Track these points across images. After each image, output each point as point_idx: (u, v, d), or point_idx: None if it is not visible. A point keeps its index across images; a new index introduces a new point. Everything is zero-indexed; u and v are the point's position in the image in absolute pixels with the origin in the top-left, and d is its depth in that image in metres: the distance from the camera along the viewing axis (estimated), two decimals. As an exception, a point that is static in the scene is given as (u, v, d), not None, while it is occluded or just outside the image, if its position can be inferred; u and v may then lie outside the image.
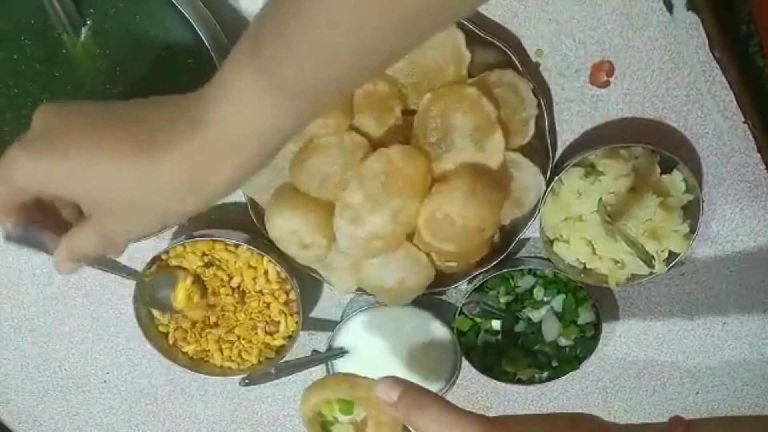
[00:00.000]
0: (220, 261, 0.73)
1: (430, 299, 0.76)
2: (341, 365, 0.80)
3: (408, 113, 0.66)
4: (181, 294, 0.73)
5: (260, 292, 0.74)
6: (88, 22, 0.62)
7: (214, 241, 0.72)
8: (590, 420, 0.50)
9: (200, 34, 0.60)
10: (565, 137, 0.71)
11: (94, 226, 0.43)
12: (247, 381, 0.76)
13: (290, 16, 0.36)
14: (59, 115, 0.42)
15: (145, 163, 0.39)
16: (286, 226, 0.67)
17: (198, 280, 0.74)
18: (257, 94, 0.38)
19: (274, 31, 0.37)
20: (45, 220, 0.46)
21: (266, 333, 0.76)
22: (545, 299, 0.76)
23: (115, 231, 0.43)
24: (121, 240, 0.45)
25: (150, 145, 0.39)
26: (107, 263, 0.76)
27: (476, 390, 0.84)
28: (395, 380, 0.52)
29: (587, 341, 0.76)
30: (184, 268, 0.73)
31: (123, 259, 0.78)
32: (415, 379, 0.79)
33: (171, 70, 0.63)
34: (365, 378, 0.56)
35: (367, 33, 0.35)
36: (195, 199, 0.41)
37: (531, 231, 0.72)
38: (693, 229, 0.69)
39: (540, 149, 0.68)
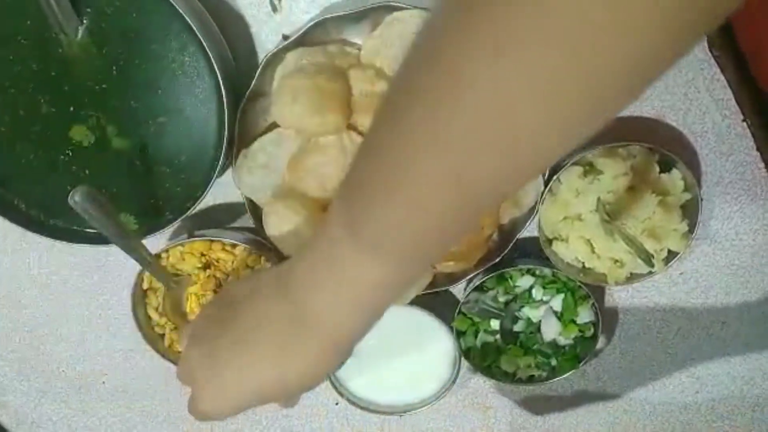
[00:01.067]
0: (217, 261, 0.73)
1: (429, 299, 0.76)
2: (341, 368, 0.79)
3: (406, 112, 0.65)
4: (192, 302, 0.73)
5: (258, 292, 0.74)
6: (85, 22, 0.62)
7: (211, 241, 0.72)
8: None
9: (197, 32, 0.60)
10: (564, 136, 0.70)
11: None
12: None
13: (381, 196, 0.37)
14: (202, 350, 0.49)
15: (294, 366, 0.45)
16: (285, 226, 0.66)
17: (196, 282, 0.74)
18: (364, 278, 0.40)
19: (369, 214, 0.38)
20: None
21: (264, 333, 0.76)
22: (544, 299, 0.76)
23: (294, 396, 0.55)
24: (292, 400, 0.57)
25: (288, 352, 0.45)
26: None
27: (475, 390, 0.84)
28: None
29: (586, 341, 0.76)
30: (179, 273, 0.73)
31: (120, 259, 0.78)
32: (414, 379, 0.80)
33: (168, 69, 0.63)
34: None
35: (450, 218, 0.37)
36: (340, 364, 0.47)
37: (530, 230, 0.72)
38: (692, 228, 0.69)
39: (538, 148, 0.68)
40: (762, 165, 0.71)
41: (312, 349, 0.44)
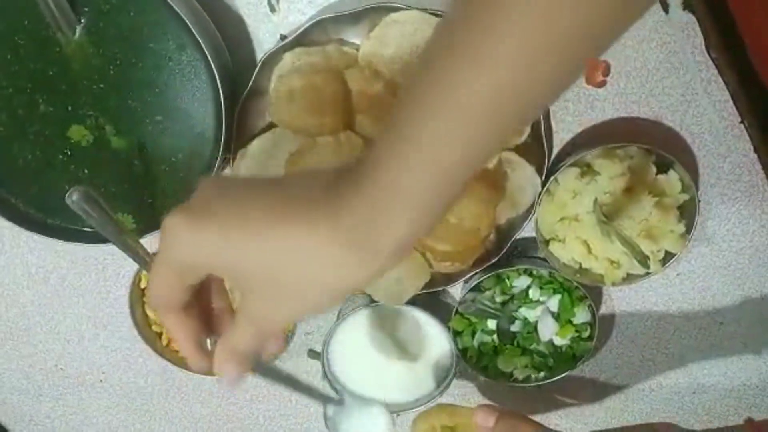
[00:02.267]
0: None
1: (426, 299, 0.76)
2: (337, 366, 0.79)
3: (404, 113, 0.65)
4: None
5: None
6: (82, 21, 0.62)
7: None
8: (667, 427, 0.53)
9: (193, 31, 0.60)
10: (561, 137, 0.71)
11: (247, 313, 0.41)
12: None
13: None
14: (219, 184, 0.40)
15: (304, 233, 0.36)
16: (282, 226, 0.66)
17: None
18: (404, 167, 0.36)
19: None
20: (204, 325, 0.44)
21: (262, 333, 0.76)
22: (541, 299, 0.76)
23: (268, 315, 0.40)
24: (275, 327, 0.42)
25: (307, 212, 0.37)
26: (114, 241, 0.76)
27: (472, 390, 0.84)
28: (492, 408, 0.59)
29: (583, 341, 0.76)
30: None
31: (118, 258, 0.78)
32: (411, 379, 0.80)
33: (166, 68, 0.63)
34: (465, 407, 0.64)
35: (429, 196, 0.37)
36: (357, 277, 0.37)
37: (527, 231, 0.72)
38: (689, 229, 0.69)
39: (536, 149, 0.68)
40: (759, 166, 0.71)
41: (348, 219, 0.36)
